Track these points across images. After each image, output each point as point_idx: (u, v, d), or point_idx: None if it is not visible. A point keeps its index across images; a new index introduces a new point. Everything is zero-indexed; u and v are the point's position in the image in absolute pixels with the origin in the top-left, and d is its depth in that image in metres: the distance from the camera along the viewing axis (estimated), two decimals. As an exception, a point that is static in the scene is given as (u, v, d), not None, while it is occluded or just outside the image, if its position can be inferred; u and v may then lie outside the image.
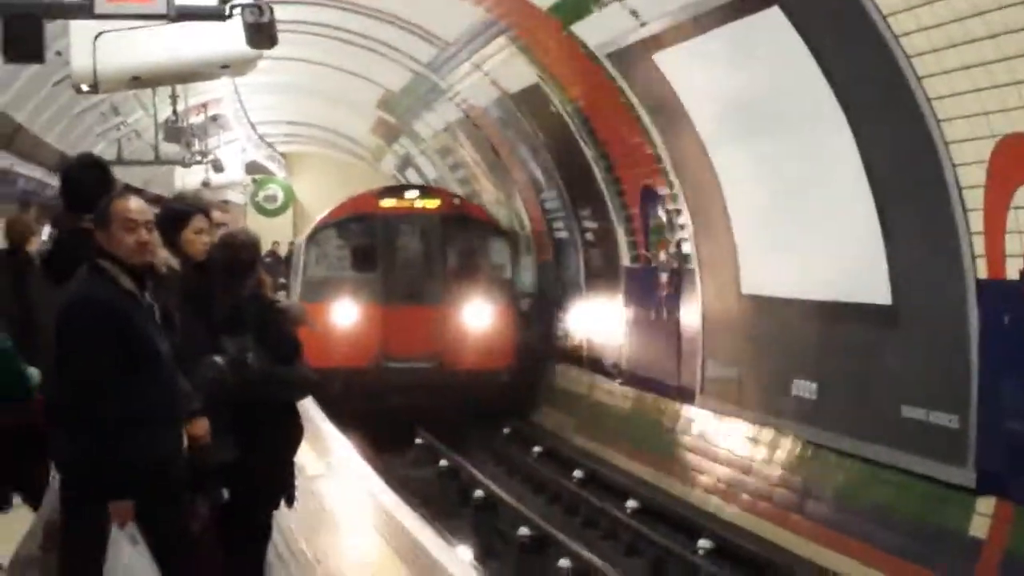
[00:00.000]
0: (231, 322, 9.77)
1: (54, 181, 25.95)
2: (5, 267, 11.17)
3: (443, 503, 27.34)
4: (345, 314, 30.23)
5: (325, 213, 36.50)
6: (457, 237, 30.91)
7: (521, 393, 33.48)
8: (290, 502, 10.51)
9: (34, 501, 8.77)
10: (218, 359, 9.25)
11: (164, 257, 8.09)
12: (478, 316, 29.53)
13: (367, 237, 32.03)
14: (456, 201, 32.36)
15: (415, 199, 31.89)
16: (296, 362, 10.30)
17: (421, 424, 31.64)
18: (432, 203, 30.70)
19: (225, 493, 9.13)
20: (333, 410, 25.30)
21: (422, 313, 30.37)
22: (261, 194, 42.73)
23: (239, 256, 10.23)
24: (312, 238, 34.02)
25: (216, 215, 11.20)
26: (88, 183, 8.25)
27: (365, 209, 32.65)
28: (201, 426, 8.38)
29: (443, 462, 29.28)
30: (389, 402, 29.36)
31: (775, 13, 15.61)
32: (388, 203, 31.78)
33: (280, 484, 10.22)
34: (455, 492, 28.77)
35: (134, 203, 7.63)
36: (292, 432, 10.38)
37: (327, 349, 26.27)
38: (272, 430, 9.95)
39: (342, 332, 29.50)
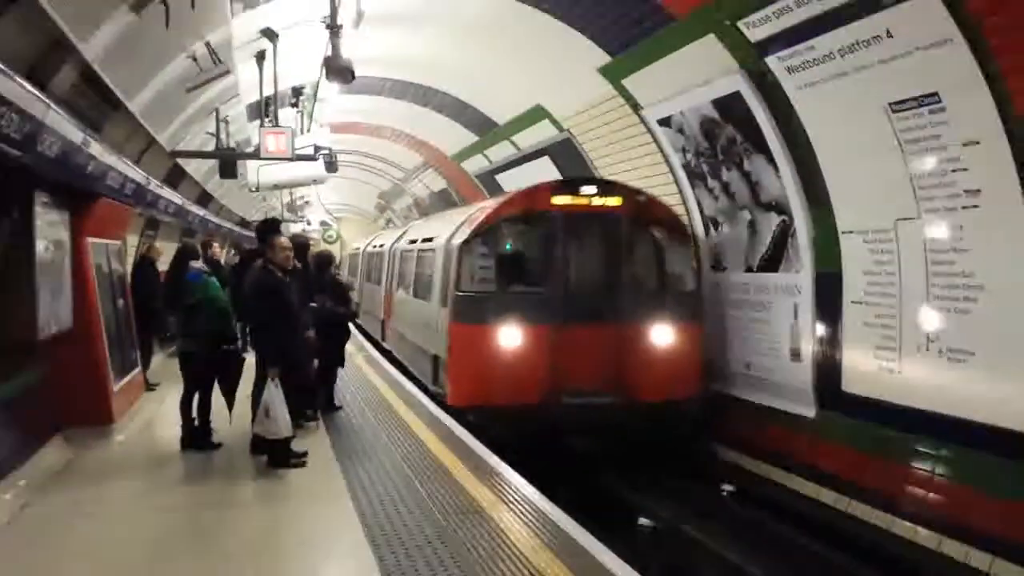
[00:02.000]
0: (320, 288, 9.85)
1: (236, 228, 25.56)
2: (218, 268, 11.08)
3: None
4: (511, 339, 10.68)
5: (481, 212, 11.77)
6: (642, 241, 11.73)
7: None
8: (343, 364, 10.58)
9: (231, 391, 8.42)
10: (314, 304, 9.35)
11: (293, 262, 8.14)
12: (665, 336, 11.16)
13: (538, 241, 11.25)
14: (641, 198, 11.66)
15: (593, 195, 11.37)
16: (350, 305, 10.48)
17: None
18: (613, 200, 11.40)
19: (315, 362, 9.33)
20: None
21: (603, 334, 10.89)
22: (326, 234, 40.86)
23: (324, 259, 10.38)
24: (467, 244, 11.19)
25: (311, 243, 11.34)
26: (265, 228, 8.15)
27: (536, 206, 11.35)
28: (311, 335, 8.56)
29: None
30: (564, 445, 10.90)
31: (546, 160, 15.85)
32: (562, 200, 11.30)
33: (340, 357, 10.37)
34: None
35: (283, 238, 7.72)
36: (345, 335, 10.47)
37: (488, 382, 10.72)
38: (337, 334, 10.07)
39: (507, 361, 10.62)
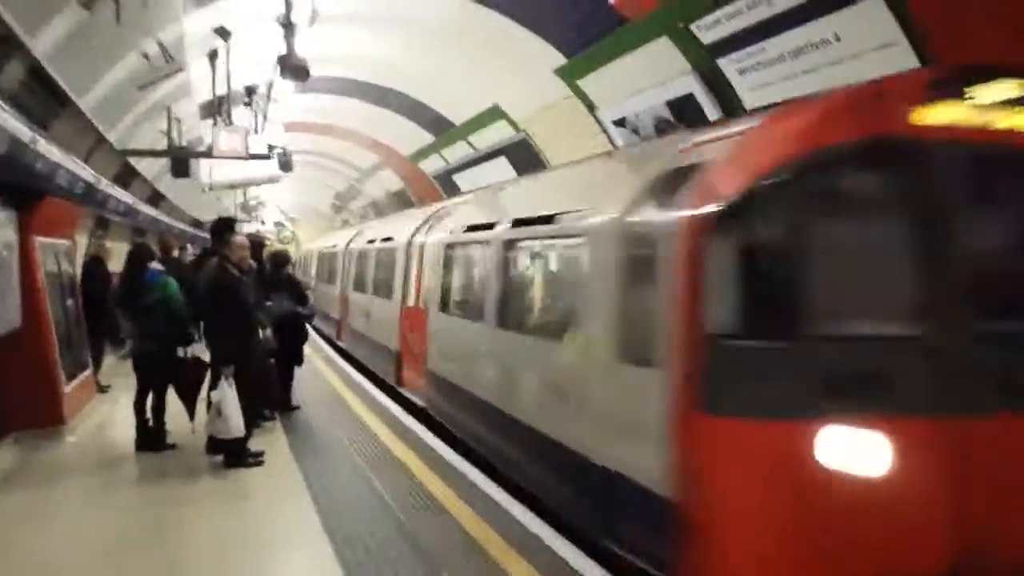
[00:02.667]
0: (276, 286, 9.77)
1: (189, 229, 25.18)
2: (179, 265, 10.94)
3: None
4: (863, 454, 3.14)
5: (742, 152, 4.00)
6: None
7: None
8: (300, 363, 10.34)
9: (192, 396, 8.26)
10: (270, 303, 9.27)
11: (249, 261, 8.09)
12: None
13: (895, 214, 3.29)
14: None
15: (1015, 105, 3.06)
16: (307, 304, 10.37)
17: None
18: None
19: (272, 360, 9.24)
20: None
21: None
22: (281, 234, 40.13)
23: (281, 258, 10.26)
24: (723, 227, 3.67)
25: (266, 243, 11.26)
26: (221, 227, 8.03)
27: (883, 128, 3.15)
28: (267, 333, 8.49)
29: None
30: None
31: (503, 160, 15.92)
32: (945, 115, 3.08)
33: (298, 355, 10.24)
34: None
35: (240, 237, 7.67)
36: (303, 334, 10.32)
37: (822, 562, 3.13)
38: (294, 333, 9.96)
39: (862, 510, 3.08)
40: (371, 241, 14.61)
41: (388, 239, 13.28)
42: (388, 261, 12.74)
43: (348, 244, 17.37)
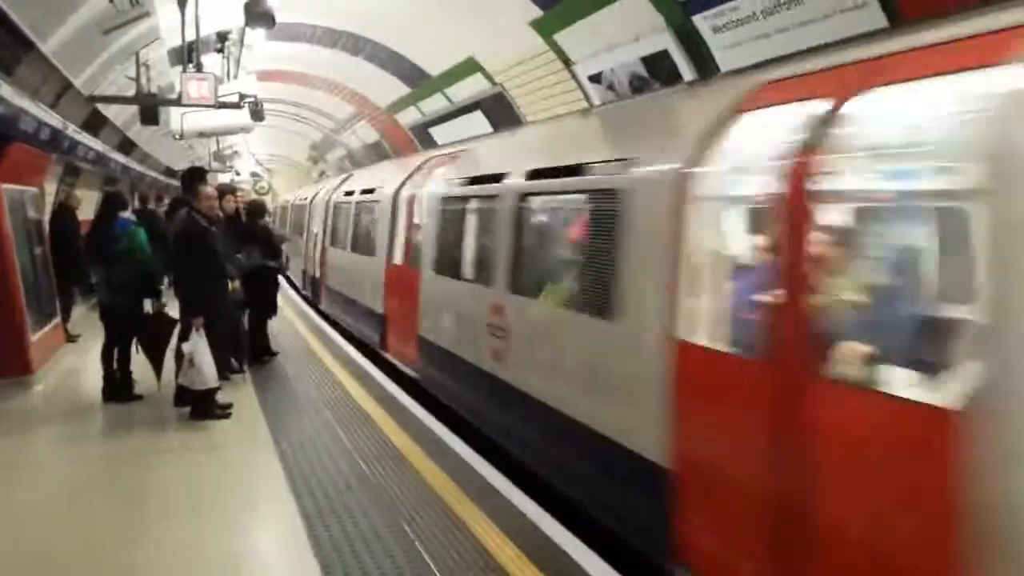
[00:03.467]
0: (248, 238, 9.79)
1: (162, 178, 24.94)
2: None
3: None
4: None
5: None
6: None
7: None
8: (274, 313, 10.45)
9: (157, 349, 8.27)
10: (240, 256, 9.29)
11: (218, 211, 8.11)
12: None
13: None
14: None
15: None
16: (279, 258, 10.40)
17: None
18: None
19: (245, 312, 9.30)
20: None
21: None
22: (257, 185, 39.64)
23: (257, 207, 10.26)
24: None
25: (239, 193, 11.21)
26: (191, 177, 7.99)
27: None
28: (236, 285, 8.52)
29: None
30: None
31: (479, 113, 15.81)
32: None
33: (270, 306, 10.31)
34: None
35: (209, 187, 7.69)
36: (274, 286, 10.39)
37: None
38: (264, 284, 10.02)
39: None
40: (472, 180, 8.75)
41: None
42: (573, 225, 6.48)
43: (400, 189, 11.50)
